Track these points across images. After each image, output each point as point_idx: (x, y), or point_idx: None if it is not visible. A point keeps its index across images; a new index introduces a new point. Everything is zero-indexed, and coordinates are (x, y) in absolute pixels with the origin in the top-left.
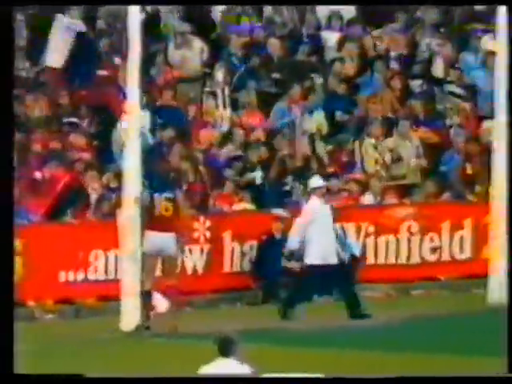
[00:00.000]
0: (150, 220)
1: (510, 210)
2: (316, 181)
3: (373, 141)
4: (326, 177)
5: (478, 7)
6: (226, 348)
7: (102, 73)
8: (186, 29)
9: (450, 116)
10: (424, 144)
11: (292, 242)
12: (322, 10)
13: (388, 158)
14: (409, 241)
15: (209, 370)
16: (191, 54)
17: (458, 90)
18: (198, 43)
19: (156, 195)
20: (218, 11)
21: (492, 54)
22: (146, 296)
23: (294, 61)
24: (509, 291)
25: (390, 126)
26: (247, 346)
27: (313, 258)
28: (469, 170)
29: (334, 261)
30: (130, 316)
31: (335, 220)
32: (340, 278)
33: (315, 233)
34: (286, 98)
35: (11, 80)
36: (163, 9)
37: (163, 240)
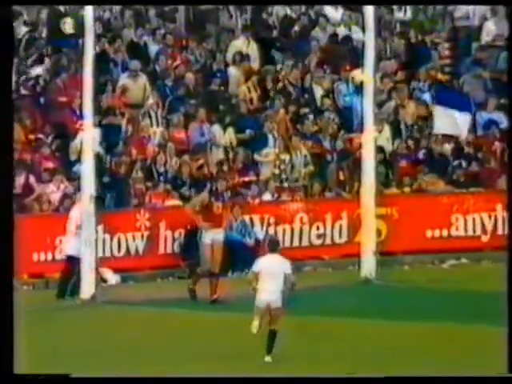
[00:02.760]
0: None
1: (510, 209)
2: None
3: (272, 151)
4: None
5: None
6: (273, 246)
7: (62, 99)
8: (133, 65)
9: (328, 133)
10: (310, 154)
11: None
12: (231, 49)
13: (284, 164)
14: (300, 229)
15: (261, 263)
16: (133, 84)
17: (333, 114)
18: (141, 77)
19: None
20: (153, 51)
21: (361, 83)
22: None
23: (210, 90)
24: (508, 288)
25: (285, 140)
26: (179, 310)
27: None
28: (341, 176)
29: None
30: (87, 287)
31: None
32: (248, 257)
33: None
34: (198, 119)
35: (11, 80)
36: (110, 49)
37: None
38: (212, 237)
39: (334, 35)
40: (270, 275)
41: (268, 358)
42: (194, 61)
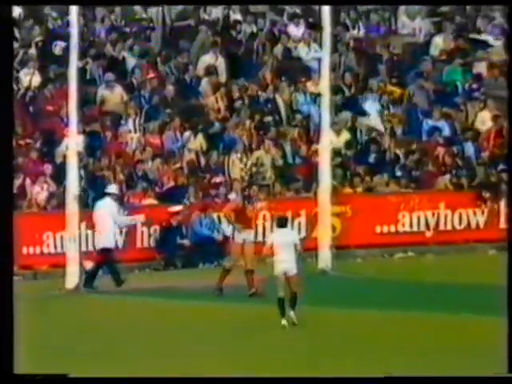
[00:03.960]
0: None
1: (509, 212)
2: (112, 188)
3: (238, 155)
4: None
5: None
6: (282, 222)
7: (49, 108)
8: (109, 77)
9: (289, 138)
10: (273, 158)
11: None
12: (201, 63)
13: (250, 166)
14: (263, 226)
15: (274, 236)
16: (110, 94)
17: (293, 122)
18: (117, 88)
19: None
20: (131, 64)
21: (318, 94)
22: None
23: (182, 100)
24: (508, 287)
25: (250, 145)
26: (155, 300)
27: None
28: (300, 178)
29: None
30: (71, 278)
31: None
32: (217, 251)
33: None
34: (172, 126)
35: (11, 80)
36: (91, 64)
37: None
38: (244, 237)
39: (295, 50)
40: (284, 247)
41: (284, 322)
42: (168, 74)
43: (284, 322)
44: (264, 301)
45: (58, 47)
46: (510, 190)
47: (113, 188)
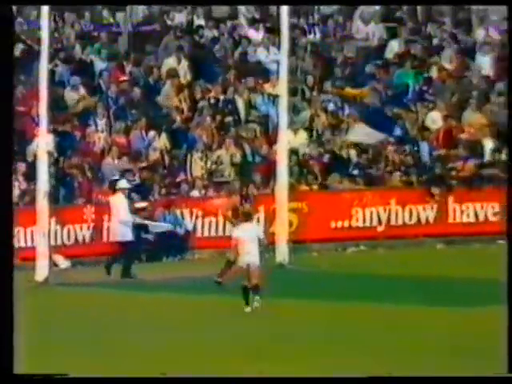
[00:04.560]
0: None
1: (509, 210)
2: (123, 183)
3: (199, 154)
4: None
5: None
6: (247, 217)
7: (20, 109)
8: (76, 80)
9: (249, 137)
10: (234, 156)
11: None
12: (165, 66)
13: (210, 165)
14: (224, 221)
15: (238, 231)
16: (80, 97)
17: (252, 122)
18: (85, 89)
19: None
20: (99, 67)
21: (276, 96)
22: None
23: (147, 101)
24: (508, 287)
25: (211, 145)
26: (121, 292)
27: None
28: (260, 175)
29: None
30: (41, 271)
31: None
32: (179, 245)
33: None
34: (139, 126)
35: (11, 80)
36: (61, 67)
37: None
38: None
39: (255, 53)
40: (248, 240)
41: (248, 309)
42: (134, 76)
43: (248, 309)
44: (225, 291)
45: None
46: (509, 188)
47: (123, 183)
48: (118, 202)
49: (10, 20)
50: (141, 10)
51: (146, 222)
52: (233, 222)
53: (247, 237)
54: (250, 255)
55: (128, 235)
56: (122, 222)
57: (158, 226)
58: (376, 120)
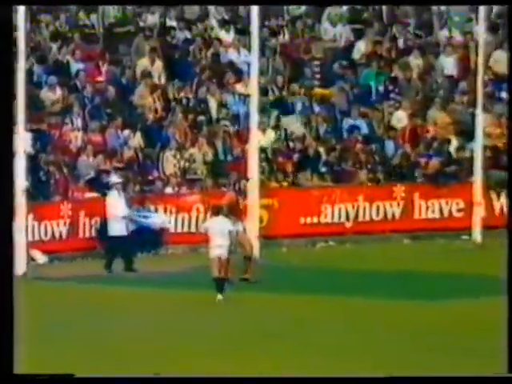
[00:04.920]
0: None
1: (510, 208)
2: (114, 178)
3: (172, 152)
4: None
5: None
6: (216, 210)
7: None
8: (52, 80)
9: (220, 136)
10: (206, 154)
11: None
12: (139, 67)
13: (183, 163)
14: (197, 217)
15: (209, 223)
16: (53, 95)
17: (223, 121)
18: (61, 89)
19: None
20: (75, 68)
21: (247, 95)
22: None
23: (122, 101)
24: (508, 288)
25: (184, 143)
26: (96, 286)
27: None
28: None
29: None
30: (19, 266)
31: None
32: (154, 240)
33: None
34: (114, 125)
35: (11, 80)
36: (37, 67)
37: None
38: (237, 228)
39: (226, 54)
40: (218, 233)
41: (220, 297)
42: (109, 76)
43: (220, 297)
44: (194, 285)
45: None
46: (509, 184)
47: (115, 178)
48: (114, 198)
49: (10, 20)
50: (115, 11)
51: (142, 219)
52: (231, 218)
53: (218, 230)
54: (220, 248)
55: (123, 230)
56: (122, 217)
57: (153, 221)
58: (344, 119)
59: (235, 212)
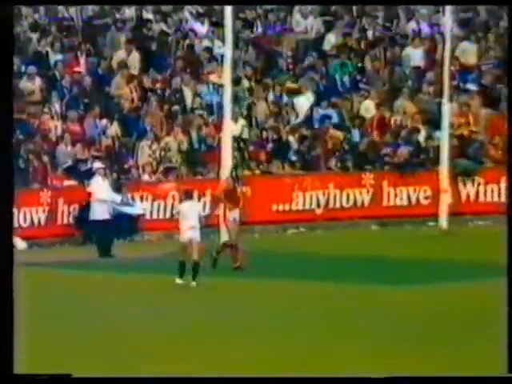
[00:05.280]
0: None
1: (509, 208)
2: (97, 164)
3: (148, 141)
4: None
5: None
6: (188, 194)
7: None
8: (31, 70)
9: (195, 125)
10: (181, 143)
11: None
12: (116, 58)
13: (159, 152)
14: (172, 204)
15: (181, 207)
16: (32, 86)
17: (201, 112)
18: (40, 79)
19: None
20: (54, 59)
21: (221, 85)
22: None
23: (100, 91)
24: (508, 288)
25: (160, 132)
26: (74, 271)
27: (106, 214)
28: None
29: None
30: None
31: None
32: (130, 227)
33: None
34: (92, 114)
35: (11, 80)
36: (16, 58)
37: None
38: (233, 215)
39: (200, 46)
40: (190, 217)
41: (194, 283)
42: (87, 67)
43: (179, 281)
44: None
45: None
46: (509, 171)
47: (98, 164)
48: (98, 183)
49: (10, 20)
50: (93, 5)
51: (120, 206)
52: (227, 205)
53: (189, 213)
54: (191, 231)
55: (106, 214)
56: (105, 200)
57: (133, 208)
58: (315, 108)
59: (232, 199)
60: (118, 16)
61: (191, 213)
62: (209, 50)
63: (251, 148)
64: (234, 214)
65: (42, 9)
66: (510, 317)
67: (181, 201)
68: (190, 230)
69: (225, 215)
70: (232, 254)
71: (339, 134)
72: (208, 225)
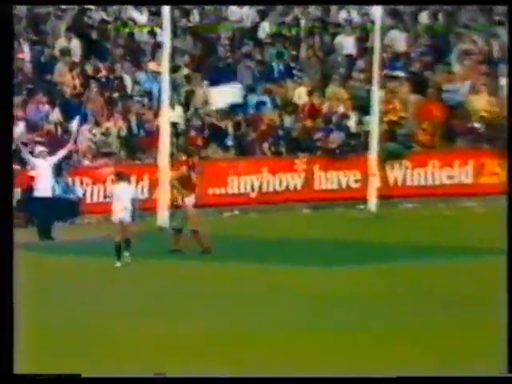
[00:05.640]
0: None
1: (510, 207)
2: (39, 148)
3: (89, 127)
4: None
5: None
6: (121, 177)
7: None
8: None
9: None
10: (120, 128)
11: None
12: (57, 46)
13: (99, 137)
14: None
15: (114, 188)
16: None
17: (138, 98)
18: None
19: None
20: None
21: (159, 73)
22: None
23: (43, 78)
24: (508, 287)
25: (100, 118)
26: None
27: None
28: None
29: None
30: None
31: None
32: (71, 210)
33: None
34: (35, 101)
35: (11, 79)
36: None
37: None
38: (189, 201)
39: (140, 34)
40: (122, 198)
41: (118, 264)
42: (30, 54)
43: (118, 264)
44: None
45: None
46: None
47: (39, 148)
48: (41, 165)
49: (10, 20)
50: None
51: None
52: (181, 192)
53: (121, 195)
54: (122, 211)
55: (48, 192)
56: (47, 184)
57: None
58: (249, 95)
59: (187, 186)
60: (60, 5)
61: (124, 194)
62: (148, 38)
63: (189, 133)
64: (190, 200)
65: None
66: (510, 315)
67: (113, 182)
68: (121, 211)
69: (183, 201)
70: (195, 239)
71: (273, 120)
72: (145, 208)
